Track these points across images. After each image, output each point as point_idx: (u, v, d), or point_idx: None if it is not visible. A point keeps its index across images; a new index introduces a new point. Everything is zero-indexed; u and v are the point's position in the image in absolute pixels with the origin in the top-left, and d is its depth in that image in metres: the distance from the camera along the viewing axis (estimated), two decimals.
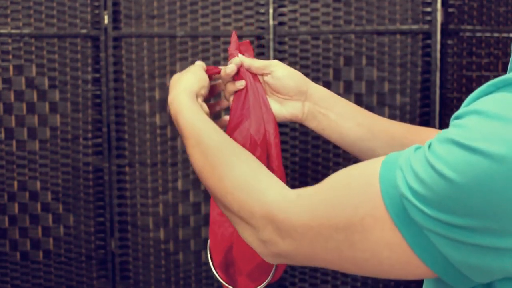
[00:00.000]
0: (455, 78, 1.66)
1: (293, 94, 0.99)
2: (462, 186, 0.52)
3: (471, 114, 0.55)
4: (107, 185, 1.71)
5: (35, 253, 1.73)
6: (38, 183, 1.71)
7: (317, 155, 1.68)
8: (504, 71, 1.65)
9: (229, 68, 0.97)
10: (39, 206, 1.71)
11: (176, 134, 1.70)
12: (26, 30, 1.67)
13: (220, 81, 1.05)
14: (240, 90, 1.01)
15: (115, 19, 1.68)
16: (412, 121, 1.67)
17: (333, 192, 0.64)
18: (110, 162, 1.70)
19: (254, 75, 1.00)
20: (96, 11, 1.67)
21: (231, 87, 1.00)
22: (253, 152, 0.98)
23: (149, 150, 1.71)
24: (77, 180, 1.71)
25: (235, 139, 0.98)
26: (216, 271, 1.05)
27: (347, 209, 0.61)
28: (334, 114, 1.00)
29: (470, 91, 1.66)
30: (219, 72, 1.03)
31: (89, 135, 1.71)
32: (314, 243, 0.64)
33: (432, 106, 1.65)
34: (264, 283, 1.03)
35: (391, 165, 0.59)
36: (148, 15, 1.68)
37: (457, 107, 1.68)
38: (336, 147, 1.67)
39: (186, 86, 0.94)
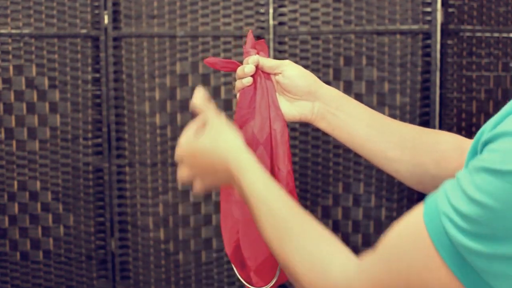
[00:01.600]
0: (455, 78, 1.66)
1: (303, 94, 1.00)
2: (506, 212, 0.53)
3: (501, 137, 0.55)
4: (107, 185, 1.71)
5: (35, 253, 1.73)
6: (38, 183, 1.70)
7: (317, 155, 1.68)
8: (504, 71, 1.65)
9: (248, 68, 0.97)
10: (39, 206, 1.71)
11: (176, 134, 1.70)
12: (26, 30, 1.67)
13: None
14: (248, 87, 1.01)
15: (115, 19, 1.68)
16: (412, 121, 1.67)
17: (389, 259, 0.65)
18: (110, 162, 1.70)
19: (267, 74, 1.00)
20: (96, 11, 1.67)
21: (239, 84, 1.00)
22: (254, 150, 0.98)
23: (149, 150, 1.71)
24: (77, 180, 1.71)
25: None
26: (233, 267, 1.06)
27: (404, 271, 0.62)
28: (344, 115, 1.01)
29: (470, 91, 1.66)
30: (235, 69, 1.02)
31: (89, 135, 1.71)
32: None
33: (432, 106, 1.65)
34: (271, 283, 1.04)
35: (434, 213, 0.60)
36: (148, 15, 1.68)
37: (457, 107, 1.68)
38: (336, 147, 1.67)
39: (238, 141, 0.89)
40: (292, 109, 1.00)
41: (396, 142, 1.01)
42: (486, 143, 0.57)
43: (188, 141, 0.95)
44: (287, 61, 0.99)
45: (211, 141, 0.91)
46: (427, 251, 0.59)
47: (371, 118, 1.01)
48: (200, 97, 0.96)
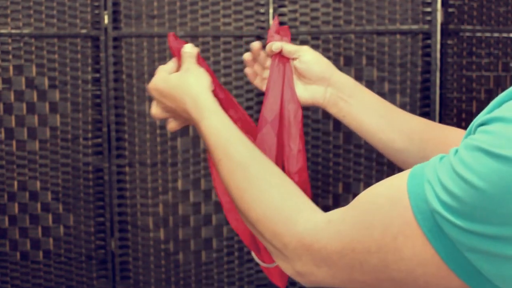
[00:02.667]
0: (455, 78, 1.66)
1: (317, 79, 1.02)
2: (493, 195, 0.51)
3: (497, 121, 0.54)
4: (107, 185, 1.71)
5: (35, 253, 1.73)
6: (38, 183, 1.71)
7: (317, 155, 1.68)
8: (504, 71, 1.65)
9: (275, 46, 1.02)
10: (39, 206, 1.71)
11: (176, 134, 1.70)
12: (26, 30, 1.67)
13: None
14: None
15: (115, 19, 1.68)
16: None
17: (362, 214, 0.63)
18: (110, 162, 1.70)
19: (287, 59, 1.05)
20: (96, 11, 1.67)
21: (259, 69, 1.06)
22: (259, 130, 1.03)
23: (149, 150, 1.71)
24: (77, 180, 1.71)
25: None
26: (252, 253, 1.09)
27: (378, 230, 0.60)
28: (356, 103, 1.02)
29: (470, 91, 1.66)
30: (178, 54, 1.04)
31: (89, 135, 1.71)
32: (350, 269, 0.64)
33: (432, 106, 1.65)
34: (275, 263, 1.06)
35: (418, 178, 0.58)
36: (148, 15, 1.68)
37: (457, 107, 1.68)
38: (336, 147, 1.67)
39: (205, 85, 0.92)
40: (305, 93, 1.03)
41: (405, 133, 1.02)
42: (480, 125, 0.56)
43: (160, 77, 0.96)
44: (305, 47, 1.03)
45: (179, 78, 0.93)
46: (404, 215, 0.58)
47: (382, 108, 1.02)
48: (190, 48, 0.97)
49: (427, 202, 0.56)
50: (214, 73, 1.02)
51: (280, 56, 1.04)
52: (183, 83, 0.92)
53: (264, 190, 0.75)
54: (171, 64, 0.99)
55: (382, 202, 0.61)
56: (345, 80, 1.04)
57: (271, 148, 1.06)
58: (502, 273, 0.53)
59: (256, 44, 1.05)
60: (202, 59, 1.02)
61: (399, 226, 0.58)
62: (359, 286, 0.65)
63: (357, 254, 0.62)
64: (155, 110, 0.96)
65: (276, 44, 1.02)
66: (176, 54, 1.01)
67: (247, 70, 1.09)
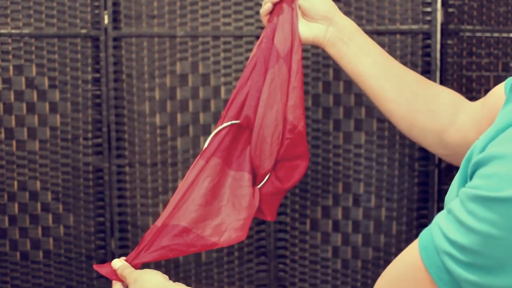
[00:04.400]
0: (455, 78, 1.66)
1: (320, 17, 1.05)
2: (499, 236, 0.52)
3: (493, 160, 0.54)
4: (107, 185, 1.71)
5: (35, 253, 1.73)
6: (38, 183, 1.71)
7: (316, 155, 1.68)
8: (504, 71, 1.65)
9: None
10: (39, 206, 1.71)
11: (176, 134, 1.70)
12: (26, 30, 1.67)
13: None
14: (272, 14, 1.11)
15: (115, 19, 1.68)
16: None
17: None
18: (110, 162, 1.70)
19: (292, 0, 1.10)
20: (96, 11, 1.67)
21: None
22: (271, 63, 1.09)
23: (149, 150, 1.71)
24: (77, 180, 1.71)
25: (255, 55, 1.10)
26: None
27: None
28: (354, 46, 1.05)
29: (470, 91, 1.66)
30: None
31: (89, 135, 1.71)
32: None
33: None
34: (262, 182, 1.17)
35: (431, 250, 0.58)
36: (148, 15, 1.68)
37: None
38: (335, 147, 1.67)
39: (160, 279, 1.02)
40: (306, 31, 1.06)
41: (397, 84, 1.03)
42: (477, 166, 0.55)
43: None
44: None
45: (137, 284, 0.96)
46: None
47: (379, 56, 1.05)
48: (118, 261, 1.01)
49: (448, 271, 0.56)
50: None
51: None
52: (145, 284, 0.96)
53: None
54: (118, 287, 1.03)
55: (405, 286, 0.61)
56: (347, 23, 1.07)
57: (282, 85, 1.10)
58: None
59: None
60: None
61: None
62: None
63: None
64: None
65: None
66: (114, 276, 1.06)
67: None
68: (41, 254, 1.73)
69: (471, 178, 0.55)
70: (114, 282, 1.06)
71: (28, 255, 1.73)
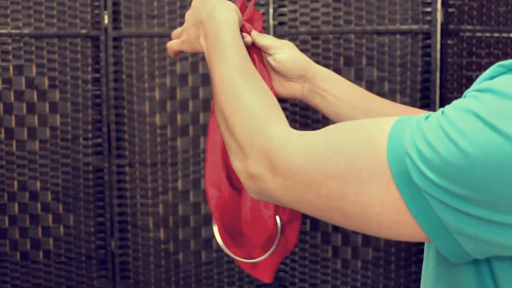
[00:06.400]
0: (455, 78, 1.66)
1: (293, 77, 1.02)
2: (475, 158, 0.51)
3: (487, 91, 0.54)
4: (107, 185, 1.71)
5: (35, 253, 1.73)
6: (38, 183, 1.70)
7: None
8: None
9: (246, 40, 0.98)
10: (39, 206, 1.71)
11: (176, 134, 1.70)
12: (26, 30, 1.67)
13: None
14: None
15: (115, 19, 1.68)
16: None
17: (336, 138, 0.62)
18: (110, 162, 1.70)
19: (259, 51, 1.02)
20: (96, 11, 1.67)
21: None
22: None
23: (149, 150, 1.71)
24: (77, 180, 1.71)
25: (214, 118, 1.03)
26: (225, 246, 1.09)
27: (346, 159, 0.59)
28: (331, 96, 1.03)
29: None
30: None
31: (89, 135, 1.71)
32: (305, 186, 0.63)
33: (432, 106, 1.65)
34: (270, 251, 1.06)
35: (403, 124, 0.58)
36: (148, 15, 1.68)
37: None
38: None
39: (234, 9, 0.90)
40: (281, 89, 1.03)
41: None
42: (470, 91, 0.56)
43: None
44: (278, 44, 1.00)
45: None
46: (377, 153, 0.57)
47: (357, 99, 1.03)
48: None
49: (403, 146, 0.56)
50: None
51: (253, 49, 1.02)
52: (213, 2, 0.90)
53: (253, 92, 0.75)
54: None
55: (359, 134, 0.60)
56: (321, 74, 1.04)
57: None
58: (464, 229, 0.53)
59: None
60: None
61: (369, 162, 0.58)
62: (306, 208, 0.64)
63: (318, 174, 0.61)
64: (172, 42, 0.96)
65: (246, 39, 0.99)
66: (243, 26, 1.03)
67: None
68: (41, 254, 1.73)
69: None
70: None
71: (28, 255, 1.73)
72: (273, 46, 1.00)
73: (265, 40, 1.00)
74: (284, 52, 1.00)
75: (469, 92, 0.56)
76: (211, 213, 1.07)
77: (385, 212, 0.57)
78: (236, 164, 0.71)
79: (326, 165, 0.61)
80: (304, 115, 1.71)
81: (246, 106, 0.73)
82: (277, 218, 1.06)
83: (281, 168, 0.64)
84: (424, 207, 0.55)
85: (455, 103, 0.56)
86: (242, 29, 1.02)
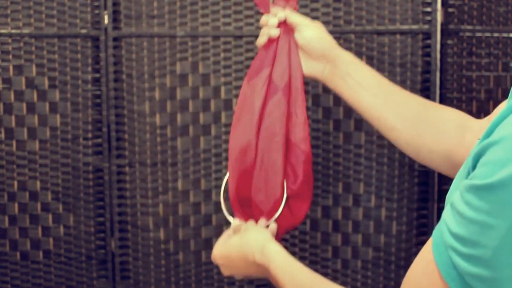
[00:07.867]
0: (455, 78, 1.66)
1: (317, 56, 1.03)
2: (500, 226, 0.51)
3: (490, 147, 0.54)
4: (107, 185, 1.71)
5: (35, 253, 1.73)
6: (38, 183, 1.71)
7: (317, 155, 1.68)
8: (504, 71, 1.65)
9: (279, 16, 1.03)
10: (39, 206, 1.71)
11: (176, 134, 1.70)
12: (26, 30, 1.67)
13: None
14: (271, 40, 1.08)
15: (115, 19, 1.68)
16: None
17: None
18: (110, 162, 1.70)
19: (291, 28, 1.07)
20: (96, 11, 1.67)
21: (266, 33, 1.07)
22: (269, 96, 1.07)
23: (149, 150, 1.71)
24: (77, 180, 1.71)
25: (252, 85, 1.08)
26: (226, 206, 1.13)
27: None
28: (352, 81, 1.04)
29: (470, 91, 1.66)
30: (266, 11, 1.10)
31: (89, 135, 1.71)
32: None
33: None
34: (274, 217, 1.11)
35: (440, 246, 0.58)
36: (148, 15, 1.68)
37: (458, 107, 1.67)
38: (336, 147, 1.67)
39: (267, 236, 0.97)
40: (304, 67, 1.04)
41: (399, 112, 1.03)
42: (477, 157, 0.55)
43: (221, 243, 1.01)
44: (307, 21, 1.04)
45: (240, 238, 0.97)
46: (439, 284, 0.58)
47: (378, 86, 1.04)
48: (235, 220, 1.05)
49: (454, 266, 0.56)
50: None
51: (285, 25, 1.07)
52: (247, 239, 0.97)
53: None
54: (228, 231, 1.05)
55: (421, 282, 0.62)
56: (344, 57, 1.05)
57: (281, 117, 1.08)
58: None
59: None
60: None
61: None
62: None
63: None
64: (225, 273, 1.03)
65: (279, 14, 1.03)
66: (275, 2, 1.08)
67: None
68: (41, 254, 1.73)
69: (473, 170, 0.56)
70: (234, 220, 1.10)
71: (28, 255, 1.73)
72: (302, 23, 1.02)
73: (295, 17, 1.02)
74: (310, 30, 1.02)
75: (475, 155, 0.57)
76: (227, 165, 1.13)
77: None
78: None
79: None
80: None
81: None
82: (284, 183, 1.09)
83: None
84: None
85: (463, 183, 0.57)
86: (275, 3, 1.08)
